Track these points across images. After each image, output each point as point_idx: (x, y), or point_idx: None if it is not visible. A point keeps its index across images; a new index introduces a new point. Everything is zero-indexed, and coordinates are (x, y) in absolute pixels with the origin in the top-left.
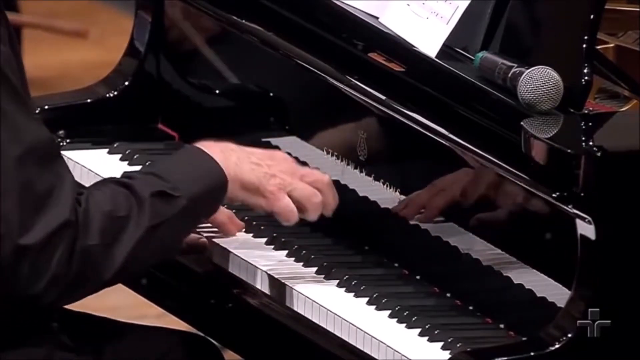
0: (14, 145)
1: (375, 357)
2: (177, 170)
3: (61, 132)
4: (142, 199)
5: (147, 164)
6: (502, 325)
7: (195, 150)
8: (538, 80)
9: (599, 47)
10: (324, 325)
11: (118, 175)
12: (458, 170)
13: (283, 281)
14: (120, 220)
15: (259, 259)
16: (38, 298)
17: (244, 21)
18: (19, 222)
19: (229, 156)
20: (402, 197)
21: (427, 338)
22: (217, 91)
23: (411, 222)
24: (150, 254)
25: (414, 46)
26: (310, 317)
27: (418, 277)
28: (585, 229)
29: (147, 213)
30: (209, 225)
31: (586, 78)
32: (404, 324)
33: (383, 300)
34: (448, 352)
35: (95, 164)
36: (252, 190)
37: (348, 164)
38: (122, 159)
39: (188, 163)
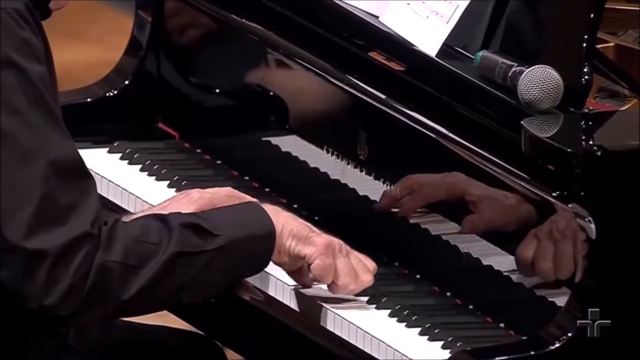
0: (41, 157)
1: (376, 356)
2: (222, 215)
3: None
4: (172, 227)
5: (147, 163)
6: (502, 325)
7: (248, 203)
8: (538, 79)
9: (599, 46)
10: (323, 324)
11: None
12: (457, 170)
13: (283, 281)
14: (147, 245)
15: None
16: (52, 309)
17: (244, 21)
18: (28, 227)
19: (280, 211)
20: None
21: (427, 337)
22: (217, 90)
23: (411, 222)
24: (176, 284)
25: (414, 45)
26: (310, 317)
27: (418, 277)
28: (586, 228)
29: (175, 239)
30: None
31: (586, 77)
32: (404, 323)
33: (383, 300)
34: (448, 351)
35: (95, 163)
36: (300, 238)
37: (348, 164)
38: (122, 158)
39: (234, 210)
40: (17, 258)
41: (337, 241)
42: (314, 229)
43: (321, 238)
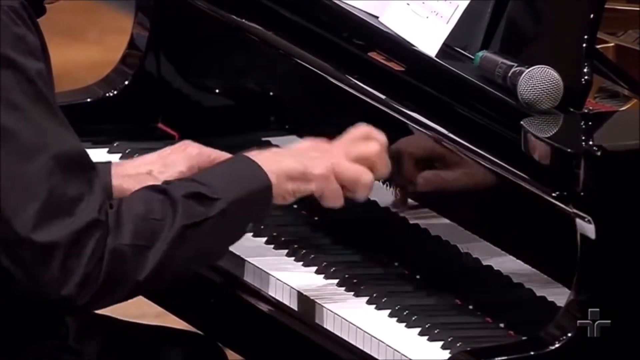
0: (43, 151)
1: (375, 356)
2: (217, 176)
3: None
4: (175, 200)
5: None
6: (502, 325)
7: (237, 158)
8: (538, 80)
9: (599, 46)
10: (323, 325)
11: None
12: (457, 170)
13: (283, 281)
14: (154, 222)
15: (258, 258)
16: (70, 300)
17: (244, 21)
18: (35, 220)
19: (268, 155)
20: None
21: (427, 337)
22: (217, 90)
23: (411, 222)
24: (187, 255)
25: (414, 45)
26: (310, 317)
27: (418, 277)
28: (585, 228)
29: (181, 213)
30: None
31: (586, 77)
32: (404, 324)
33: (383, 300)
34: (448, 351)
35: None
36: (299, 178)
37: None
38: (122, 158)
39: (228, 169)
40: (28, 253)
41: (330, 163)
42: (304, 155)
43: (318, 169)
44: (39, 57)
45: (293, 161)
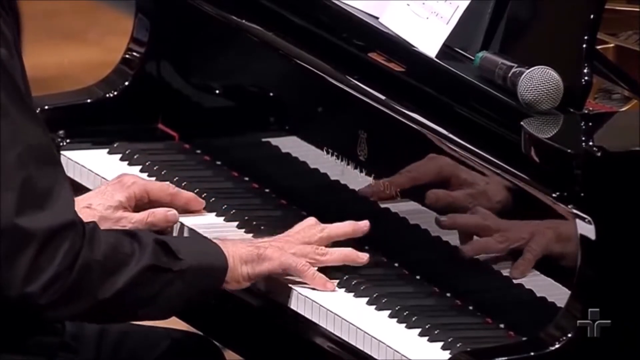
0: (15, 144)
1: (375, 357)
2: (182, 242)
3: (61, 132)
4: (145, 243)
5: (147, 164)
6: (502, 325)
7: (199, 235)
8: (538, 80)
9: (599, 47)
10: (323, 325)
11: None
12: (457, 170)
13: (283, 282)
14: (122, 255)
15: None
16: (32, 298)
17: (244, 21)
18: (16, 207)
19: (225, 242)
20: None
21: (427, 338)
22: (217, 91)
23: (411, 222)
24: (141, 296)
25: (414, 46)
26: (310, 317)
27: (418, 277)
28: (585, 229)
29: (149, 253)
30: None
31: (586, 78)
32: (404, 324)
33: (383, 300)
34: (448, 352)
35: (95, 164)
36: (254, 260)
37: (348, 164)
38: (122, 159)
39: (193, 241)
40: (2, 241)
41: (278, 241)
42: (258, 243)
43: (270, 249)
44: (9, 47)
45: (247, 244)
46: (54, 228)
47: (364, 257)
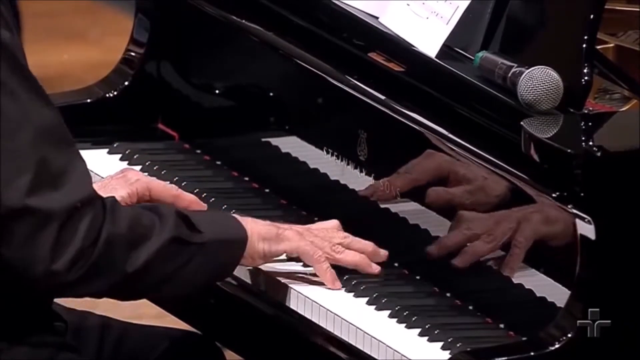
0: (27, 126)
1: (375, 357)
2: (202, 215)
3: None
4: (165, 215)
5: (147, 164)
6: (502, 325)
7: (217, 210)
8: (538, 80)
9: (599, 47)
10: (323, 325)
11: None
12: (457, 169)
13: (283, 281)
14: (145, 228)
15: None
16: (59, 276)
17: (244, 21)
18: (29, 187)
19: (245, 218)
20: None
21: (427, 338)
22: (217, 91)
23: (411, 222)
24: (168, 269)
25: (414, 46)
26: (310, 317)
27: (418, 277)
28: (585, 229)
29: (171, 225)
30: None
31: (586, 78)
32: (404, 324)
33: (383, 300)
34: (448, 352)
35: (95, 164)
36: (271, 238)
37: (348, 164)
38: (122, 159)
39: (212, 214)
40: (21, 222)
41: (300, 227)
42: (278, 224)
43: (290, 231)
44: (11, 28)
45: (267, 224)
46: (73, 204)
47: (375, 269)
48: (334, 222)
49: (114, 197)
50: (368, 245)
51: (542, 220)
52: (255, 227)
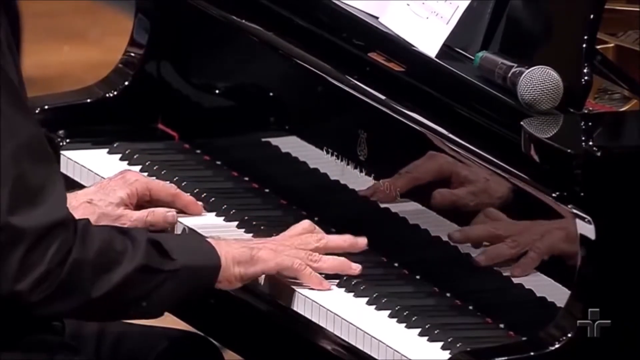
0: (8, 141)
1: (375, 357)
2: (175, 240)
3: (61, 132)
4: (138, 241)
5: (147, 164)
6: (502, 325)
7: (192, 233)
8: (538, 80)
9: (599, 47)
10: (323, 325)
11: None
12: (457, 169)
13: (283, 281)
14: (115, 254)
15: None
16: (22, 296)
17: (244, 21)
18: (9, 204)
19: (219, 242)
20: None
21: (427, 338)
22: (217, 91)
23: (411, 222)
24: (133, 296)
25: (414, 46)
26: (310, 317)
27: (418, 277)
28: (585, 229)
29: (142, 252)
30: None
31: (586, 78)
32: (404, 324)
33: (383, 300)
34: (448, 352)
35: (95, 164)
36: (247, 261)
37: (348, 164)
38: (122, 159)
39: (185, 239)
40: None
41: (272, 242)
42: (252, 244)
43: (264, 250)
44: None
45: (241, 245)
46: (45, 226)
47: (356, 268)
48: (305, 224)
49: (87, 219)
50: (345, 240)
51: (564, 238)
52: (230, 251)
